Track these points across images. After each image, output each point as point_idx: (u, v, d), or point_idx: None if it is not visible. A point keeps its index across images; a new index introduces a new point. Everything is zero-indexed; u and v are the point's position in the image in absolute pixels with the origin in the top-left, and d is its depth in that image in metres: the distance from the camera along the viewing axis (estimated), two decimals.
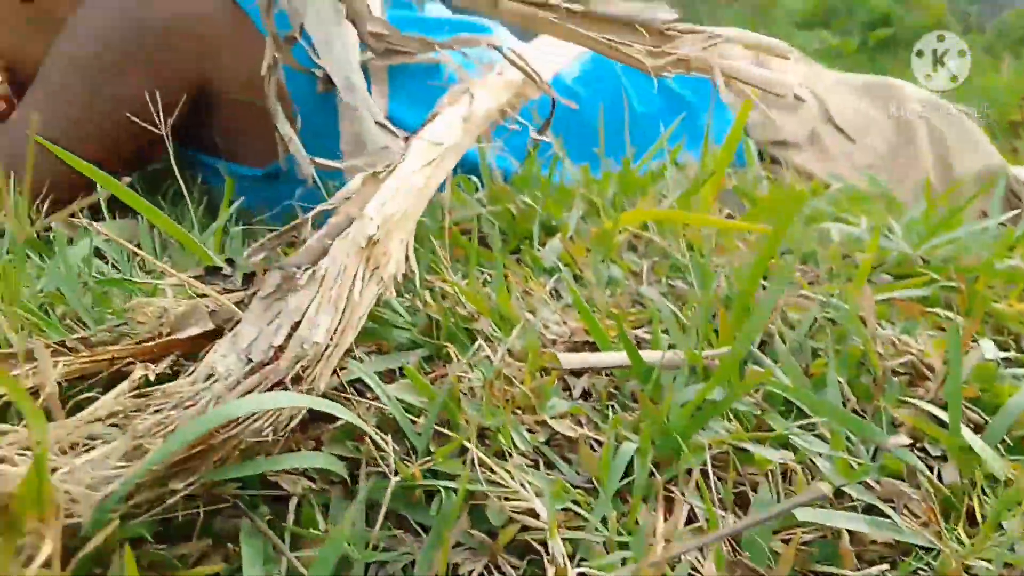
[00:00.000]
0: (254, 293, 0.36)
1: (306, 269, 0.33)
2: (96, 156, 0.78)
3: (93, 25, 0.77)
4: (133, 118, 0.78)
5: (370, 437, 0.30)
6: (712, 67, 0.41)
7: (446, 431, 0.32)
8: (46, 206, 0.70)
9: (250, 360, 0.28)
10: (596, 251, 0.51)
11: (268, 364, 0.28)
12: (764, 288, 0.47)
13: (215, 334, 0.36)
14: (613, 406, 0.36)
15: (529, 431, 0.33)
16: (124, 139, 0.78)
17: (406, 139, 0.47)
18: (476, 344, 0.38)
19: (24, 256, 0.55)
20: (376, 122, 0.49)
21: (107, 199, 0.74)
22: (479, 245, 0.52)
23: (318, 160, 0.57)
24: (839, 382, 0.40)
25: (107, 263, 0.62)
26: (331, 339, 0.31)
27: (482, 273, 0.49)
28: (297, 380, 0.28)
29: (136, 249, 0.42)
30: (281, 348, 0.29)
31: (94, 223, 0.71)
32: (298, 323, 0.30)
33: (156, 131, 0.79)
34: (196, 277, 0.37)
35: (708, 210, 0.56)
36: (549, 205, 0.56)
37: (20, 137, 0.75)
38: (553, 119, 0.69)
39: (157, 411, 0.26)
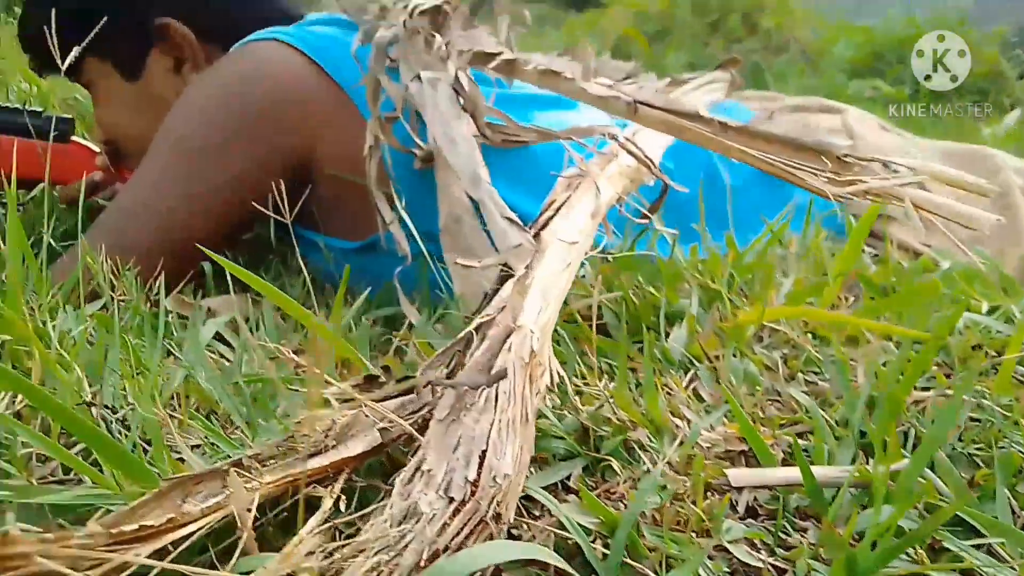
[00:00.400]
0: (420, 409, 0.36)
1: (482, 389, 0.33)
2: (201, 233, 0.80)
3: (198, 105, 0.79)
4: (237, 196, 0.80)
5: (563, 572, 0.29)
6: (904, 199, 0.40)
7: (628, 559, 0.31)
8: (158, 284, 0.72)
9: (451, 498, 0.27)
10: (727, 343, 0.50)
11: (467, 501, 0.28)
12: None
13: (380, 448, 0.36)
14: (785, 526, 0.35)
15: (709, 558, 0.32)
16: (228, 216, 0.80)
17: (536, 235, 0.47)
18: (633, 453, 0.38)
19: (154, 343, 0.56)
20: (505, 217, 0.49)
21: (211, 274, 0.76)
22: (597, 334, 0.52)
23: (460, 261, 0.58)
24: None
25: (223, 342, 0.63)
26: (515, 467, 0.30)
27: (609, 366, 0.49)
28: (497, 518, 0.28)
29: (281, 349, 0.42)
30: (475, 482, 0.29)
31: (207, 299, 0.73)
32: (484, 451, 0.30)
33: (259, 208, 0.82)
34: (355, 386, 0.37)
35: (835, 301, 0.55)
36: (670, 293, 0.56)
37: (130, 217, 0.77)
38: (640, 191, 0.69)
39: (362, 551, 0.26)
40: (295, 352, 0.59)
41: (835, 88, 3.92)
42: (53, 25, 0.91)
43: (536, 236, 0.47)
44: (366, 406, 0.34)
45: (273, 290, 0.44)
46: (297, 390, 0.46)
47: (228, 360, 0.58)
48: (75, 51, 0.64)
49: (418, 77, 0.59)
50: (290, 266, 0.90)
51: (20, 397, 0.40)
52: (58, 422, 0.34)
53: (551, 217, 0.55)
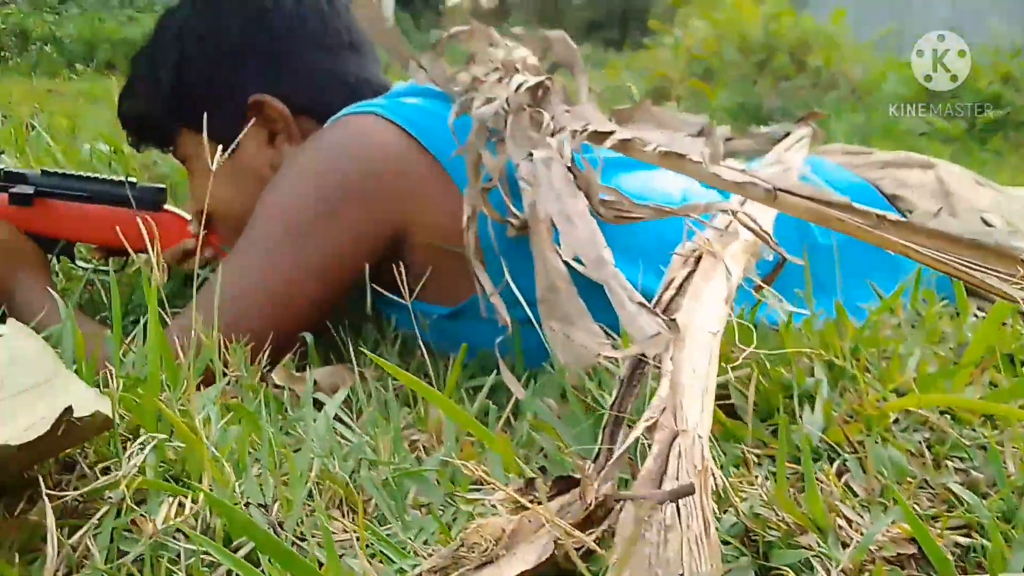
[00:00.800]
0: (588, 515, 0.35)
1: (666, 504, 0.32)
2: (306, 304, 0.81)
3: (300, 179, 0.81)
4: (341, 265, 0.81)
5: None
6: None
7: None
8: (264, 357, 0.73)
9: None
10: (868, 428, 0.49)
11: None
12: None
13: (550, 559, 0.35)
14: None
15: None
16: (333, 286, 0.81)
17: (671, 323, 0.47)
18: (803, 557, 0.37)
19: (279, 427, 0.57)
20: (636, 302, 0.48)
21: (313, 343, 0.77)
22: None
23: (559, 328, 0.58)
24: None
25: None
26: None
27: (756, 457, 0.48)
28: None
29: (454, 459, 0.42)
30: None
31: (312, 371, 0.73)
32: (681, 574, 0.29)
33: (357, 279, 0.83)
34: (518, 490, 0.37)
35: (969, 381, 0.54)
36: (797, 371, 0.54)
37: (236, 290, 0.79)
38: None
39: None
40: (406, 428, 0.59)
41: (887, 124, 3.88)
42: (147, 101, 0.95)
43: (671, 326, 0.47)
44: (538, 515, 0.34)
45: (424, 386, 0.44)
46: (438, 482, 0.46)
47: (348, 440, 0.58)
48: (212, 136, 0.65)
49: (530, 155, 0.59)
50: (384, 331, 0.91)
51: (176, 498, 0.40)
52: (248, 537, 0.35)
53: (673, 296, 0.54)
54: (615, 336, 0.65)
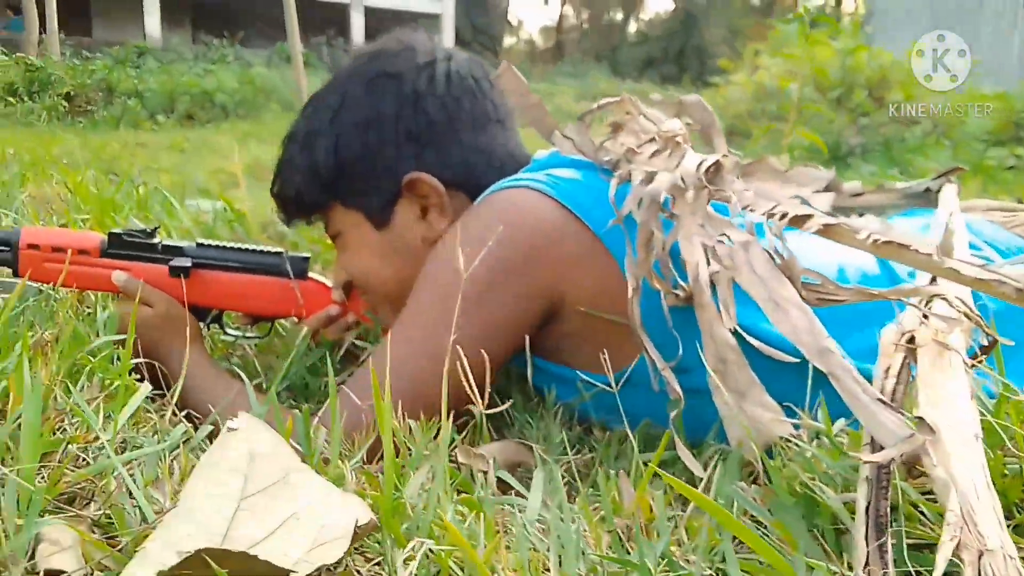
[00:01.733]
0: None
1: None
2: (472, 375, 0.82)
3: (458, 253, 0.82)
4: (503, 336, 0.82)
5: None
6: None
7: None
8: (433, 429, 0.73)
9: None
10: None
11: None
12: None
13: None
14: None
15: None
16: (495, 356, 0.82)
17: (920, 422, 0.45)
18: None
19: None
20: (874, 398, 0.47)
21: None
22: None
23: (732, 402, 0.57)
24: None
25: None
26: None
27: None
28: None
29: None
30: None
31: (486, 447, 0.73)
32: None
33: (516, 348, 0.83)
34: None
35: None
36: None
37: (398, 362, 0.80)
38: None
39: None
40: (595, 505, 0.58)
41: (974, 159, 3.78)
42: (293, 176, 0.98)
43: (919, 424, 0.45)
44: None
45: (715, 507, 0.44)
46: None
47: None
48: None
49: (726, 237, 0.59)
50: (531, 397, 0.91)
51: None
52: None
53: (895, 385, 0.53)
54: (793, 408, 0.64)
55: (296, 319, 1.06)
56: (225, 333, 1.06)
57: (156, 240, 1.01)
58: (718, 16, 21.56)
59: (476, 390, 0.80)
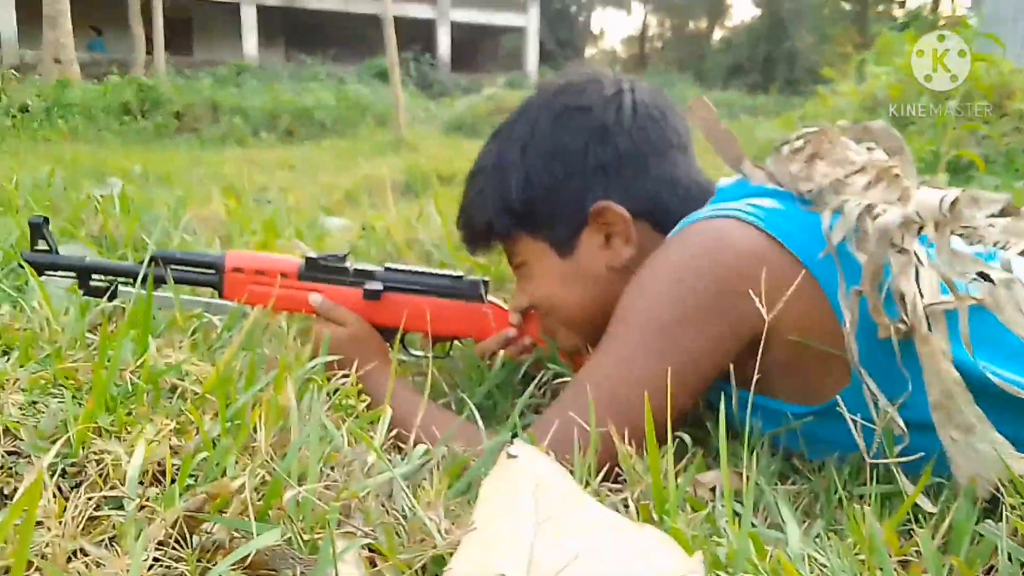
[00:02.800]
0: None
1: None
2: (661, 409, 0.83)
3: (666, 282, 0.84)
4: (706, 366, 0.83)
5: None
6: None
7: None
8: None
9: None
10: None
11: None
12: None
13: None
14: None
15: None
16: (696, 387, 0.83)
17: None
18: None
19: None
20: None
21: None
22: None
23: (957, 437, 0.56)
24: None
25: None
26: None
27: None
28: None
29: None
30: None
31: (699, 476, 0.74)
32: None
33: (720, 378, 0.84)
34: None
35: None
36: None
37: (599, 390, 0.82)
38: None
39: None
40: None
41: None
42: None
43: None
44: None
45: None
46: None
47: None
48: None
49: (983, 276, 0.59)
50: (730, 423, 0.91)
51: None
52: None
53: None
54: None
55: (474, 340, 1.10)
56: (408, 353, 1.11)
57: (348, 264, 1.07)
58: (808, 22, 21.04)
59: (673, 418, 0.82)
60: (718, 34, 27.78)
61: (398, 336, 1.09)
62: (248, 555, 0.50)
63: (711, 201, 0.93)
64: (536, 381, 1.01)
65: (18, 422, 0.68)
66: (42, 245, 1.04)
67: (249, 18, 17.25)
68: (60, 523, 0.54)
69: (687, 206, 0.92)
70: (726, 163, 0.96)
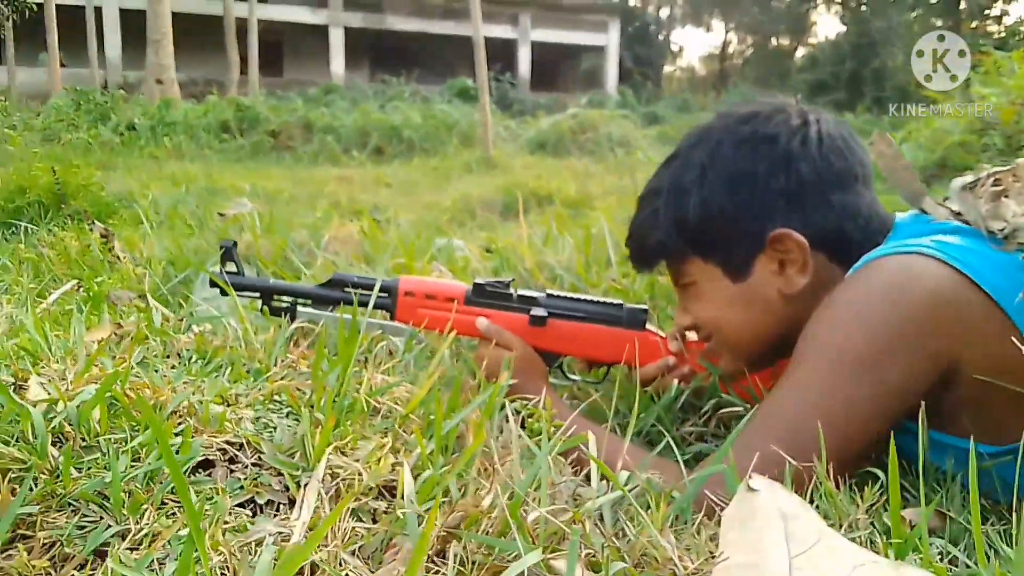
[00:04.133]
0: None
1: None
2: (859, 441, 0.84)
3: (855, 317, 0.84)
4: (894, 402, 0.83)
5: None
6: None
7: None
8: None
9: None
10: None
11: None
12: None
13: None
14: None
15: None
16: (883, 423, 0.83)
17: None
18: None
19: None
20: None
21: None
22: None
23: None
24: None
25: None
26: None
27: None
28: None
29: None
30: None
31: None
32: None
33: (907, 416, 0.84)
34: None
35: None
36: None
37: (785, 424, 0.82)
38: None
39: None
40: None
41: None
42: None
43: None
44: None
45: None
46: None
47: None
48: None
49: None
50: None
51: None
52: None
53: None
54: None
55: (631, 367, 1.12)
56: (566, 377, 1.14)
57: (512, 290, 1.11)
58: (898, 40, 20.43)
59: (857, 455, 0.82)
60: (801, 51, 27.23)
61: (559, 361, 1.12)
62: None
63: (889, 236, 0.94)
64: (702, 411, 1.03)
65: (257, 436, 0.73)
66: (230, 267, 1.11)
67: (337, 40, 17.84)
68: (332, 535, 0.58)
69: (867, 239, 0.92)
70: (905, 199, 0.96)
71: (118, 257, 1.70)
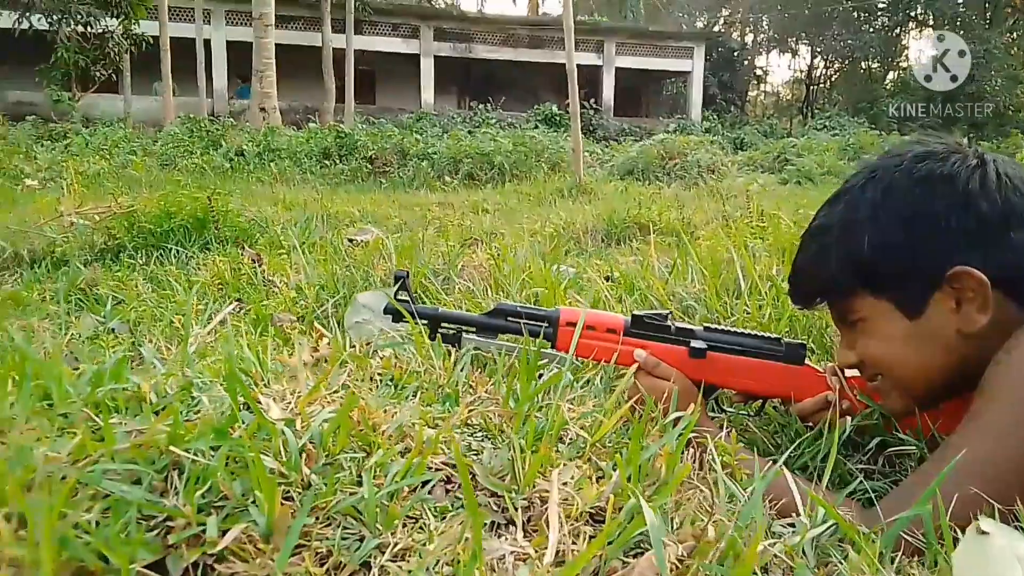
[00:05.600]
0: None
1: None
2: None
3: None
4: None
5: None
6: None
7: None
8: None
9: None
10: None
11: None
12: None
13: None
14: None
15: None
16: None
17: None
18: None
19: None
20: None
21: None
22: None
23: None
24: None
25: None
26: None
27: None
28: None
29: None
30: None
31: None
32: None
33: None
34: None
35: None
36: None
37: (966, 472, 0.82)
38: None
39: None
40: None
41: None
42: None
43: None
44: None
45: None
46: None
47: None
48: None
49: None
50: None
51: None
52: None
53: None
54: None
55: (789, 401, 1.13)
56: (722, 410, 1.16)
57: (670, 323, 1.14)
58: (995, 63, 19.60)
59: None
60: (891, 75, 26.42)
61: (715, 393, 1.15)
62: None
63: None
64: (866, 448, 1.03)
65: (468, 458, 0.79)
66: (402, 295, 1.18)
67: (428, 68, 18.33)
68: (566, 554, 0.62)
69: None
70: None
71: (270, 281, 1.81)
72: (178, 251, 2.34)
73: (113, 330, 1.60)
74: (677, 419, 0.99)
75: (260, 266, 1.87)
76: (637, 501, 0.72)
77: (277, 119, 11.84)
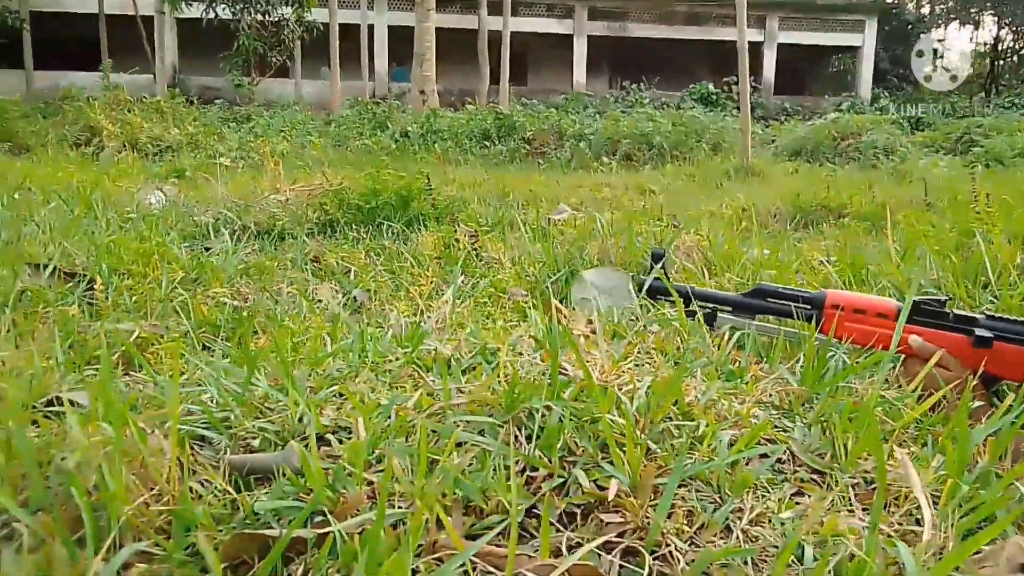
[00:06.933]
0: None
1: None
2: None
3: None
4: None
5: None
6: None
7: None
8: None
9: None
10: None
11: None
12: None
13: None
14: None
15: None
16: None
17: None
18: None
19: None
20: None
21: None
22: None
23: None
24: None
25: None
26: None
27: None
28: None
29: None
30: None
31: None
32: None
33: None
34: None
35: None
36: None
37: None
38: None
39: None
40: None
41: None
42: None
43: None
44: None
45: None
46: None
47: None
48: None
49: None
50: None
51: None
52: None
53: None
54: None
55: None
56: (993, 405, 1.10)
57: (948, 310, 1.09)
58: None
59: None
60: None
61: (996, 385, 1.09)
62: None
63: None
64: None
65: (782, 435, 0.79)
66: (658, 274, 1.19)
67: (580, 49, 18.23)
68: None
69: None
70: None
71: (488, 257, 1.87)
72: (388, 226, 2.47)
73: (355, 297, 1.71)
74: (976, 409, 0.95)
75: (476, 241, 1.95)
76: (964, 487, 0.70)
77: (435, 101, 12.18)
